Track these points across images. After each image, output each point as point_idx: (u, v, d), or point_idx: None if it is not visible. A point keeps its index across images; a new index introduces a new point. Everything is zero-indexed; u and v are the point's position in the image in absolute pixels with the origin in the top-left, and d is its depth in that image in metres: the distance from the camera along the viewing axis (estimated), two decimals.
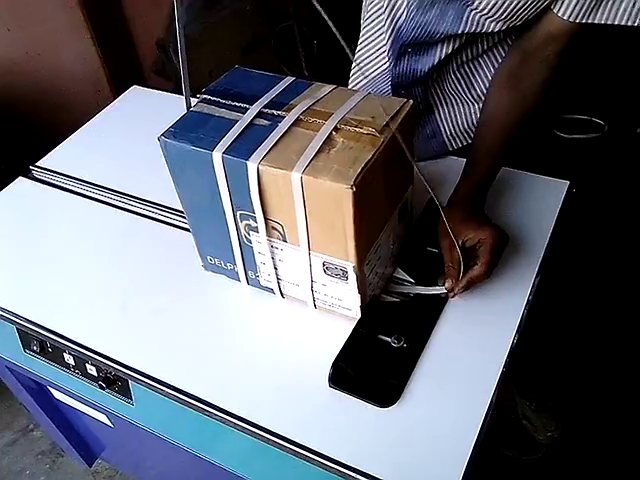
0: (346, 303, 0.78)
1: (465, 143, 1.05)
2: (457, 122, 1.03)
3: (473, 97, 1.00)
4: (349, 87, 1.04)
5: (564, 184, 0.97)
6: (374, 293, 0.81)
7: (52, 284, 0.94)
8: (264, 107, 0.74)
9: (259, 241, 0.77)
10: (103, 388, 0.89)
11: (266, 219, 0.73)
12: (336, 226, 0.68)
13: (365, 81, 1.01)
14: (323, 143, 0.68)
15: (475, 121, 1.02)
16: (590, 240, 1.71)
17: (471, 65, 0.95)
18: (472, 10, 0.79)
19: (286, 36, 2.25)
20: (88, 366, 0.90)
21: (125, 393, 0.90)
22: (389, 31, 0.90)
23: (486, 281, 0.83)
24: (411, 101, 0.74)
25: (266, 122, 0.72)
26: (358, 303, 0.77)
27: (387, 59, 0.94)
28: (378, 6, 0.90)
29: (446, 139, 1.04)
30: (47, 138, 1.30)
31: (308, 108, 0.73)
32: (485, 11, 0.78)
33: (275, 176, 0.67)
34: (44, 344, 0.93)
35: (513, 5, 0.76)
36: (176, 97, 1.25)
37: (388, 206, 0.76)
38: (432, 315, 0.82)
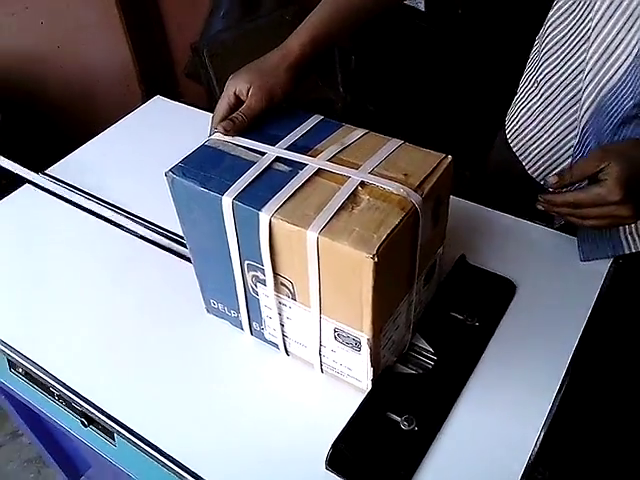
0: (356, 373, 0.70)
1: None
2: None
3: None
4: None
5: None
6: (388, 363, 0.72)
7: (39, 309, 0.88)
8: (285, 149, 0.66)
9: (266, 295, 0.69)
10: (85, 425, 0.82)
11: (275, 274, 0.65)
12: (352, 293, 0.60)
13: None
14: (346, 199, 0.60)
15: None
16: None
17: None
18: None
19: None
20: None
21: (108, 433, 0.82)
22: (588, 102, 0.77)
23: (511, 358, 0.74)
24: (450, 157, 0.66)
25: (285, 168, 0.64)
26: (370, 376, 0.68)
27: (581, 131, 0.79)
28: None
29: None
30: (72, 132, 1.26)
31: (334, 156, 0.65)
32: None
33: (289, 232, 0.60)
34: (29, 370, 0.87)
35: None
36: (198, 112, 1.18)
37: (414, 271, 0.68)
38: (451, 393, 0.72)
